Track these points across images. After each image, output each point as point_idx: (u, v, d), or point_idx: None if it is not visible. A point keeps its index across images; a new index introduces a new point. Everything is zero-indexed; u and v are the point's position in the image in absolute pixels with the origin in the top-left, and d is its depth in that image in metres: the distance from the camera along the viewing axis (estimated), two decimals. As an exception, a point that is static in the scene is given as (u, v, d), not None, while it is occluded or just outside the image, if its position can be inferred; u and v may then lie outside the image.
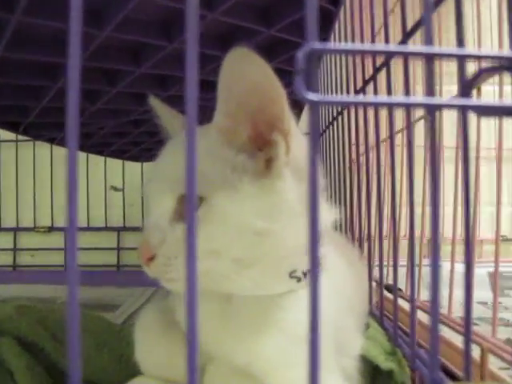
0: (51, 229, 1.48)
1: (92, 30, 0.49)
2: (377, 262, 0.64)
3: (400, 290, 0.93)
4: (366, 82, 0.62)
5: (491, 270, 1.25)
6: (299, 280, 0.44)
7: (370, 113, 0.57)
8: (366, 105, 0.22)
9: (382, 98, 0.22)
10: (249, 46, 0.33)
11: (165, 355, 0.49)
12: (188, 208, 0.23)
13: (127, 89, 0.69)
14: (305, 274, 0.44)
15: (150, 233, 0.41)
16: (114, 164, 1.44)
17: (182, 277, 0.40)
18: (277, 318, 0.44)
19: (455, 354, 0.60)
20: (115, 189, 1.47)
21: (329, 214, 0.47)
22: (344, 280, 0.52)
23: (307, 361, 0.46)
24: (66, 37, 0.21)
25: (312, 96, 0.23)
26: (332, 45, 0.23)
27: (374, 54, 0.23)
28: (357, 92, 0.71)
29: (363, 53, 0.23)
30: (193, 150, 0.21)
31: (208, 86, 0.37)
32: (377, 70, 0.51)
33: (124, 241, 1.51)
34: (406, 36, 0.41)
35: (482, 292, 0.99)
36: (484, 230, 1.17)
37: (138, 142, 1.09)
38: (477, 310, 0.89)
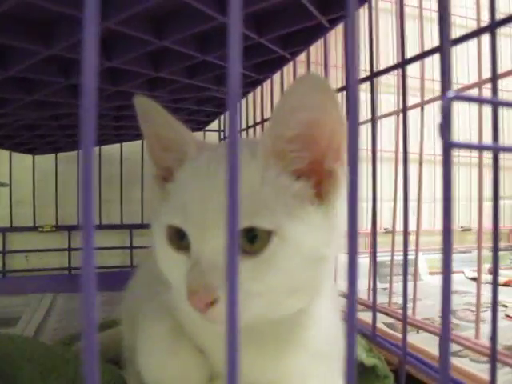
0: None
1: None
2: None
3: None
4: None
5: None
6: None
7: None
8: (500, 150, 0.24)
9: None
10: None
11: (179, 369, 0.46)
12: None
13: (76, 81, 0.61)
14: None
15: (207, 273, 0.35)
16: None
17: (250, 316, 0.37)
18: (297, 335, 0.45)
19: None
20: (0, 184, 1.27)
21: None
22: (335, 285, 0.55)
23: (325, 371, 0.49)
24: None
25: (452, 141, 0.25)
26: (468, 95, 0.25)
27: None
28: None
29: (496, 104, 0.25)
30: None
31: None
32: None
33: (10, 243, 1.32)
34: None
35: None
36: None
37: (46, 135, 0.97)
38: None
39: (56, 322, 1.04)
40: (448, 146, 0.26)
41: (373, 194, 0.65)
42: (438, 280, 1.34)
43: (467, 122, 1.50)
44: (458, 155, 1.61)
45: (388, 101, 1.09)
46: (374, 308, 0.58)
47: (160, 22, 0.50)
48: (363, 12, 0.65)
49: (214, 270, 0.35)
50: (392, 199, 0.86)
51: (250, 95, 0.99)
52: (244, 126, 1.10)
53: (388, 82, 1.08)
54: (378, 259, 0.82)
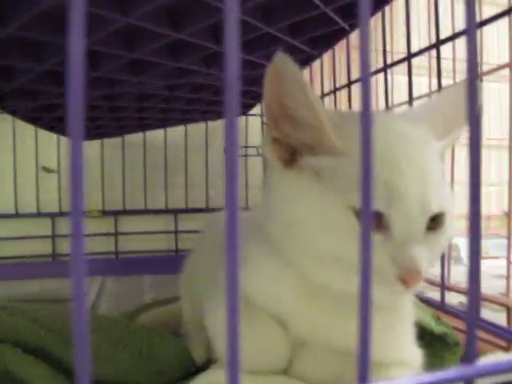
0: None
1: None
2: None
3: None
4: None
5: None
6: None
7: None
8: None
9: None
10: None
11: (259, 344, 0.46)
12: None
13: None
14: None
15: (419, 258, 0.38)
16: (46, 141, 1.28)
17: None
18: None
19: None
20: (48, 170, 1.31)
21: None
22: None
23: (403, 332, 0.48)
24: None
25: None
26: None
27: None
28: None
29: None
30: None
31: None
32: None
33: (59, 228, 1.35)
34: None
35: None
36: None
37: (99, 118, 0.99)
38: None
39: (108, 302, 1.07)
40: None
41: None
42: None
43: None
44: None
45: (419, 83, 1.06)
46: (442, 276, 0.57)
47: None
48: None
49: (420, 253, 0.38)
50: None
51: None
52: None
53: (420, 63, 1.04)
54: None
